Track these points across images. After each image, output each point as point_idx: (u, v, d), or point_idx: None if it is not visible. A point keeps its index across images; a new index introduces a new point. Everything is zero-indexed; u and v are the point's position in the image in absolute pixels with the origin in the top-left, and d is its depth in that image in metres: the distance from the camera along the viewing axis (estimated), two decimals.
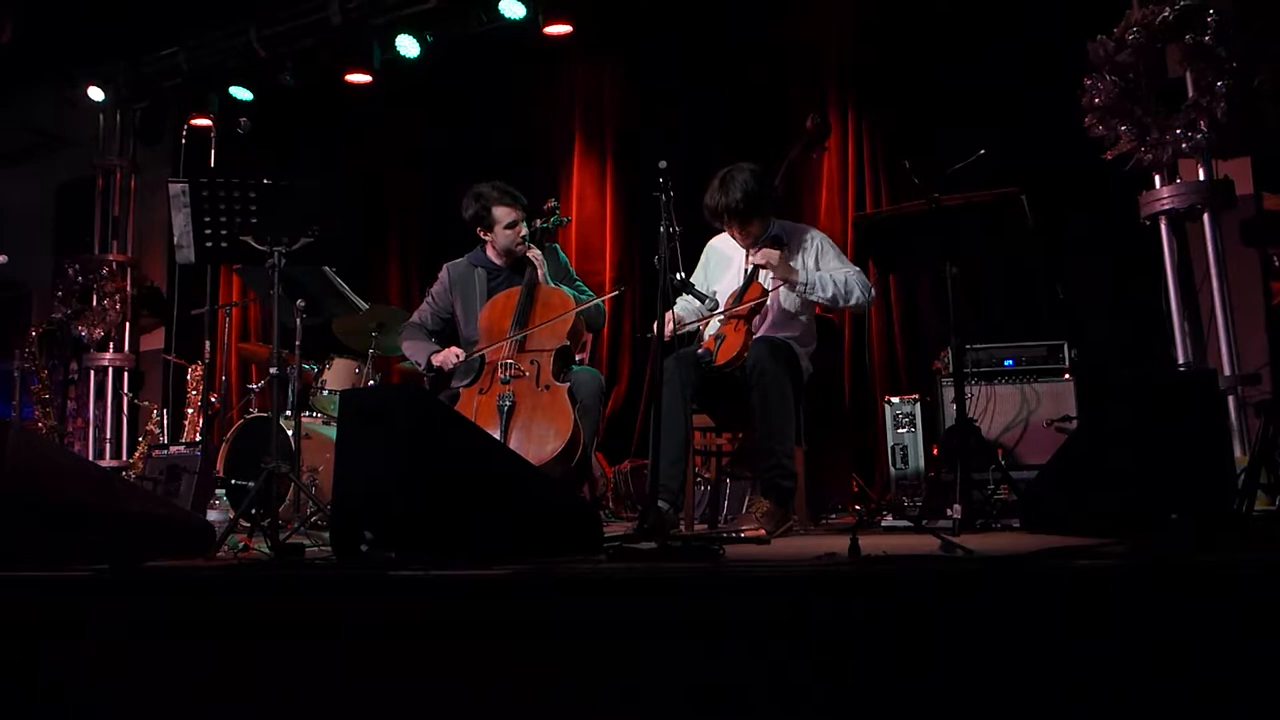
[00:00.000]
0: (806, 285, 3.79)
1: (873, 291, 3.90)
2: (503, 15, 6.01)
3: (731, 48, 6.01)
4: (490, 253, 4.22)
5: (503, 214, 4.11)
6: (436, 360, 4.00)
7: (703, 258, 4.21)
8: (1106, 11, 4.52)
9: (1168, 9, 4.32)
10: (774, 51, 5.93)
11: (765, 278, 3.84)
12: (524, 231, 4.12)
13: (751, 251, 3.93)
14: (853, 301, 3.84)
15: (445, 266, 4.33)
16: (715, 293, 4.04)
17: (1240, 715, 1.41)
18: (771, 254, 3.81)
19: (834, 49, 5.78)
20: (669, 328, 3.85)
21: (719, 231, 4.09)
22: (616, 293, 4.04)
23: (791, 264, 3.86)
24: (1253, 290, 4.45)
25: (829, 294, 3.81)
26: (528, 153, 6.59)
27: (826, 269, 3.89)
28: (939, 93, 5.31)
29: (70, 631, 2.24)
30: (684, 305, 3.96)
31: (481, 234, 4.19)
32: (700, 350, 3.85)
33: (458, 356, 3.97)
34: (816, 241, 3.98)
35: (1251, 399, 4.21)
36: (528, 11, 5.97)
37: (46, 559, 2.55)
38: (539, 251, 4.08)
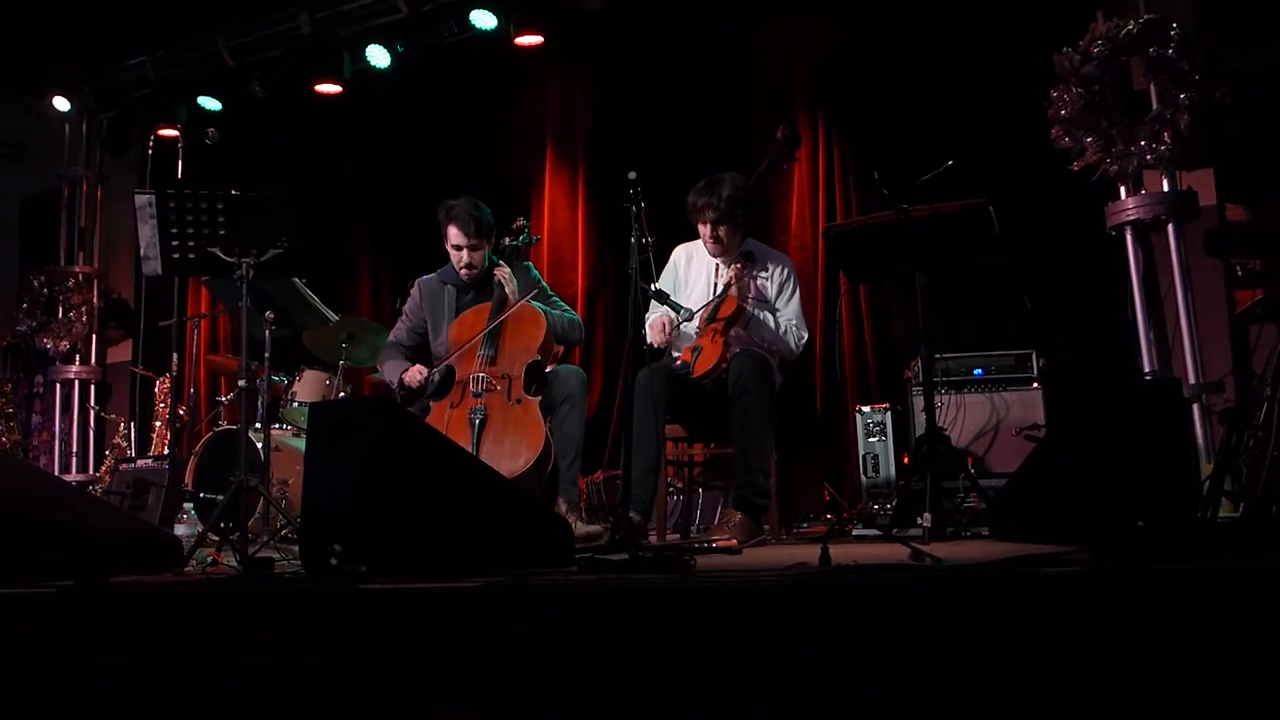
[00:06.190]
0: (749, 319, 3.85)
1: (805, 340, 3.97)
2: (474, 26, 6.00)
3: (702, 59, 6.03)
4: None
5: (451, 234, 4.11)
6: (405, 378, 3.99)
7: (670, 265, 4.22)
8: (1074, 23, 4.58)
9: (1131, 22, 4.39)
10: (744, 63, 5.97)
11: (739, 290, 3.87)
12: (465, 259, 4.08)
13: (724, 262, 3.95)
14: (779, 347, 3.91)
15: (416, 282, 4.31)
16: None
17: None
18: (742, 274, 3.87)
19: (804, 60, 5.81)
20: (664, 335, 3.88)
21: (691, 234, 4.09)
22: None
23: (749, 291, 3.91)
24: (1216, 299, 4.53)
25: (763, 336, 3.87)
26: (499, 163, 6.57)
27: (783, 311, 3.94)
28: (909, 104, 5.35)
29: (34, 649, 2.21)
30: (663, 314, 3.96)
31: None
32: (678, 362, 3.85)
33: (421, 373, 3.97)
34: (784, 274, 4.02)
35: (1216, 407, 4.27)
36: (499, 23, 5.97)
37: (9, 576, 2.51)
38: (507, 270, 4.05)
